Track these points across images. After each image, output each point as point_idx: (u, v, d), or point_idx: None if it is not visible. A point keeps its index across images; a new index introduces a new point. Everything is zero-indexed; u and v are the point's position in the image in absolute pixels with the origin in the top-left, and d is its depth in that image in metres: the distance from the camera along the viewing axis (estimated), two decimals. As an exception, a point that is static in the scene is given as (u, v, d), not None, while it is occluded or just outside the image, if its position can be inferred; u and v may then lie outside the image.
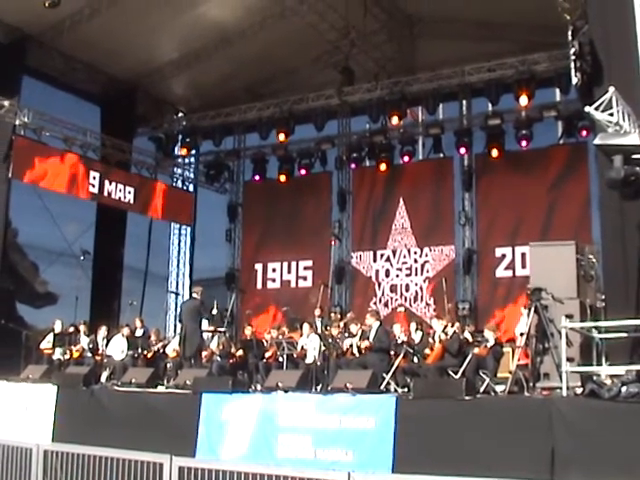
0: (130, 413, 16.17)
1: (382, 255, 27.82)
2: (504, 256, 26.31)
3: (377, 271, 27.90)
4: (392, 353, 18.38)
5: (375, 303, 27.50)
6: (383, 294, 27.58)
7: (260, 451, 14.22)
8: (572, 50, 16.60)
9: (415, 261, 27.43)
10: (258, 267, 30.84)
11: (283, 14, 26.28)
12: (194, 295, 20.23)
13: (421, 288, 27.04)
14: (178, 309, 31.16)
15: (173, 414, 15.61)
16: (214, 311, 22.00)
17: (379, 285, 27.76)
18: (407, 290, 27.22)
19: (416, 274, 27.24)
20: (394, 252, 27.69)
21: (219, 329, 21.88)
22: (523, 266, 25.12)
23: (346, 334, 19.88)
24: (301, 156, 30.27)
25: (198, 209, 33.16)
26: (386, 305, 27.39)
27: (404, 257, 27.59)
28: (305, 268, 29.64)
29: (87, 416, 16.59)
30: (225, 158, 32.13)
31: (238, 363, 21.07)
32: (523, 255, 25.01)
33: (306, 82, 28.88)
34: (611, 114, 11.68)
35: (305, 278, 29.55)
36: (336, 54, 27.84)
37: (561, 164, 26.08)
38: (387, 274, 27.75)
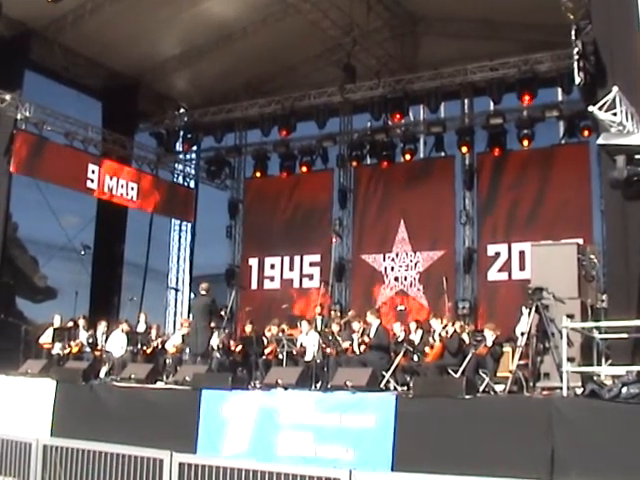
0: (129, 409, 16.20)
1: (389, 256, 28.77)
2: (498, 254, 26.70)
3: (385, 267, 28.82)
4: (392, 351, 18.36)
5: (384, 288, 28.67)
6: (390, 282, 28.61)
7: (261, 448, 14.25)
8: (575, 50, 16.58)
9: (411, 260, 28.36)
10: (253, 262, 31.24)
11: (286, 11, 26.18)
12: (202, 292, 19.99)
13: (414, 279, 28.24)
14: (179, 306, 31.59)
15: (173, 410, 15.63)
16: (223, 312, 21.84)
17: (387, 276, 28.78)
18: (405, 280, 28.41)
19: (411, 269, 28.36)
20: (397, 254, 28.58)
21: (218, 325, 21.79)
22: (521, 268, 25.22)
23: (347, 331, 19.88)
24: (302, 153, 30.27)
25: (199, 205, 33.09)
26: (391, 289, 28.60)
27: (403, 258, 28.43)
28: (311, 264, 29.99)
29: (86, 411, 16.62)
30: (226, 154, 32.07)
31: (238, 360, 21.06)
32: (521, 254, 25.19)
33: (308, 79, 28.87)
34: (614, 114, 11.64)
35: (311, 277, 29.97)
36: (338, 51, 27.73)
37: (563, 164, 26.06)
38: (392, 269, 28.69)
